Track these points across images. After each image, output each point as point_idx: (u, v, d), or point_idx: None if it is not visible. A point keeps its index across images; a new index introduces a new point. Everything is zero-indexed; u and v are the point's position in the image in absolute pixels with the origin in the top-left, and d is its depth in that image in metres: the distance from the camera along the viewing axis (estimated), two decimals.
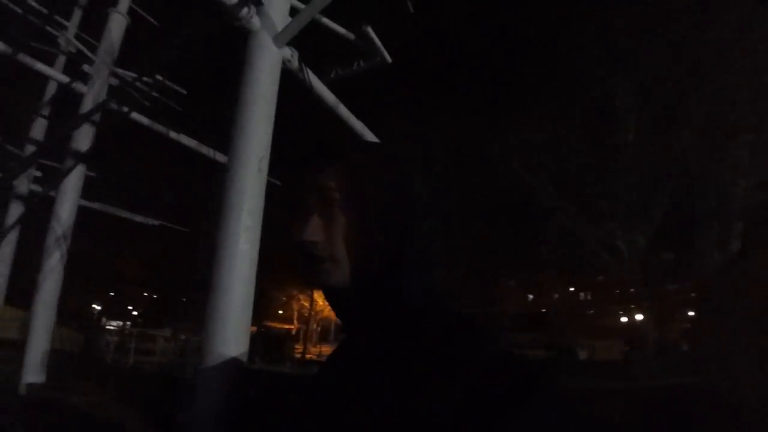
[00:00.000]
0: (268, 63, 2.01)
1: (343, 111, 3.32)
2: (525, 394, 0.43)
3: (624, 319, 29.43)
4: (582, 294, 32.77)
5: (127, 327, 25.08)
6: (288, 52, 2.32)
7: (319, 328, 38.41)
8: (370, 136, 3.75)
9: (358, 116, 3.55)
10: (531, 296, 33.72)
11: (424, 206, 0.60)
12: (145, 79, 3.76)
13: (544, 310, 29.69)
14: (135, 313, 40.05)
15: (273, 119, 1.99)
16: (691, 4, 12.41)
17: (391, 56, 3.42)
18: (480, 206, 19.96)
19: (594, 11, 13.92)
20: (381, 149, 0.62)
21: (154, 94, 4.42)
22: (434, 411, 0.44)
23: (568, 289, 26.24)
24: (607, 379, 12.12)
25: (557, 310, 23.96)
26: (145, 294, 42.38)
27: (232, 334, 1.37)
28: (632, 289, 21.30)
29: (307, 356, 28.48)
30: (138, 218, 6.24)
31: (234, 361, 1.30)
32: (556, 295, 29.68)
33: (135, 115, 4.08)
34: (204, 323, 1.39)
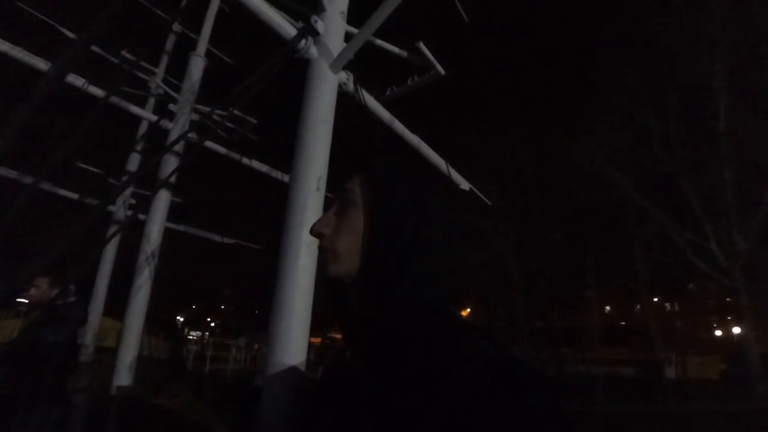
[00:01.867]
0: (325, 88, 2.14)
1: (399, 127, 3.40)
2: (516, 400, 0.43)
3: (718, 333, 26.17)
4: (668, 304, 29.69)
5: (206, 337, 27.01)
6: (344, 76, 2.45)
7: None
8: (426, 150, 3.78)
9: (418, 131, 3.61)
10: (608, 308, 31.21)
11: (436, 219, 0.62)
12: (219, 112, 4.16)
13: (623, 323, 27.29)
14: (213, 324, 42.93)
15: (330, 140, 2.11)
16: None
17: (449, 68, 3.46)
18: (562, 213, 19.03)
19: None
20: (401, 165, 0.66)
21: (229, 125, 4.89)
22: (429, 414, 0.45)
23: (652, 299, 23.88)
24: (700, 401, 10.78)
25: (640, 322, 21.88)
26: (223, 306, 45.36)
27: (292, 343, 1.47)
28: (728, 299, 18.90)
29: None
30: (216, 237, 6.81)
31: (293, 369, 1.39)
32: (638, 306, 27.13)
33: (213, 146, 4.54)
34: (268, 333, 1.51)
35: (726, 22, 12.54)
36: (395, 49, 3.48)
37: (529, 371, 0.47)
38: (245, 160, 4.87)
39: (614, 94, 15.02)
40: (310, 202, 1.74)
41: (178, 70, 4.96)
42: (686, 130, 13.80)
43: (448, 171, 3.86)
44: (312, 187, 1.78)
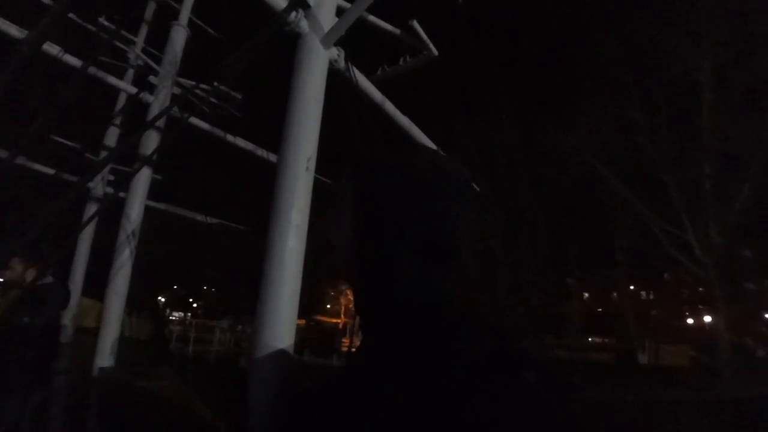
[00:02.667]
0: (315, 64, 2.06)
1: (390, 107, 3.32)
2: (506, 395, 0.41)
3: (690, 321, 27.21)
4: (644, 293, 30.66)
5: (188, 318, 26.88)
6: (335, 53, 2.36)
7: None
8: (417, 133, 3.72)
9: (409, 113, 3.54)
10: (586, 295, 32.06)
11: (426, 208, 0.61)
12: (203, 86, 4.00)
13: (600, 310, 28.10)
14: (195, 305, 42.68)
15: (320, 119, 2.04)
16: None
17: (442, 50, 3.38)
18: (545, 204, 19.28)
19: None
20: (389, 156, 0.67)
21: (213, 100, 4.71)
22: (416, 413, 0.44)
23: (629, 287, 24.64)
24: (673, 388, 11.23)
25: (618, 309, 22.60)
26: (205, 288, 45.00)
27: (279, 325, 1.44)
28: (701, 289, 19.59)
29: (353, 349, 29.00)
30: (198, 217, 6.66)
31: (282, 352, 1.36)
32: (615, 294, 27.95)
33: (196, 121, 4.37)
34: (254, 316, 1.47)
35: (713, 19, 12.66)
36: (388, 27, 3.38)
37: (524, 362, 0.45)
38: (230, 138, 4.72)
39: (601, 86, 15.15)
40: (299, 182, 1.68)
41: (159, 40, 4.74)
42: (670, 124, 14.05)
43: None
44: (301, 168, 1.72)
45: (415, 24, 3.28)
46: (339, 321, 36.46)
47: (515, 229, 19.57)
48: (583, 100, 15.80)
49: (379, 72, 3.52)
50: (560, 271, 22.76)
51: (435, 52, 3.43)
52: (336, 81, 2.60)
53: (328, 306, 39.87)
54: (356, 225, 0.62)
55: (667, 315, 27.46)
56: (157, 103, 4.11)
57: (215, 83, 3.94)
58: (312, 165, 1.85)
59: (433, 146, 3.91)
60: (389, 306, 0.58)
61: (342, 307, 39.30)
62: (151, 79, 4.38)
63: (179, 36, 4.40)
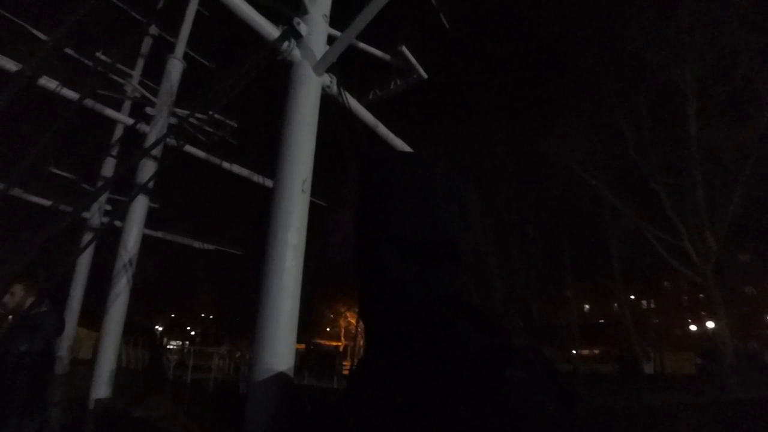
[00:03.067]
0: (308, 90, 2.13)
1: (383, 130, 3.40)
2: (493, 396, 0.40)
3: (693, 328, 27.04)
4: (644, 302, 30.52)
5: (186, 346, 26.41)
6: (327, 79, 2.44)
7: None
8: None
9: (402, 133, 3.61)
10: (587, 306, 31.87)
11: (408, 210, 0.61)
12: (199, 115, 4.08)
13: (602, 321, 27.88)
14: (193, 333, 41.97)
15: (314, 143, 2.09)
16: None
17: (430, 72, 3.48)
18: (537, 215, 19.36)
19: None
20: (383, 161, 0.68)
21: (208, 129, 4.80)
22: (405, 410, 0.44)
23: (629, 296, 24.58)
24: (680, 394, 11.09)
25: (618, 320, 22.49)
26: (202, 315, 44.39)
27: (279, 347, 1.44)
28: (701, 295, 19.56)
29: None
30: (196, 244, 6.67)
31: (281, 375, 1.36)
32: (615, 304, 27.84)
33: (192, 150, 4.45)
34: (253, 338, 1.48)
35: (694, 31, 13.06)
36: (378, 53, 3.48)
37: (513, 361, 0.43)
38: (225, 164, 4.79)
39: (588, 97, 15.46)
40: (295, 204, 1.72)
41: (155, 72, 4.85)
42: (656, 133, 14.30)
43: None
44: (297, 190, 1.76)
45: (404, 49, 3.39)
46: (339, 344, 35.97)
47: (510, 241, 19.61)
48: (571, 111, 16.12)
49: (371, 96, 3.61)
50: (558, 281, 22.72)
51: (424, 75, 3.53)
52: (329, 106, 2.68)
53: (327, 329, 39.36)
54: (354, 225, 0.64)
55: (669, 323, 27.31)
56: (154, 132, 4.18)
57: (210, 112, 4.02)
58: (308, 187, 1.90)
59: None
60: (384, 308, 0.59)
61: (341, 329, 38.82)
62: (148, 110, 4.46)
63: (175, 69, 4.51)
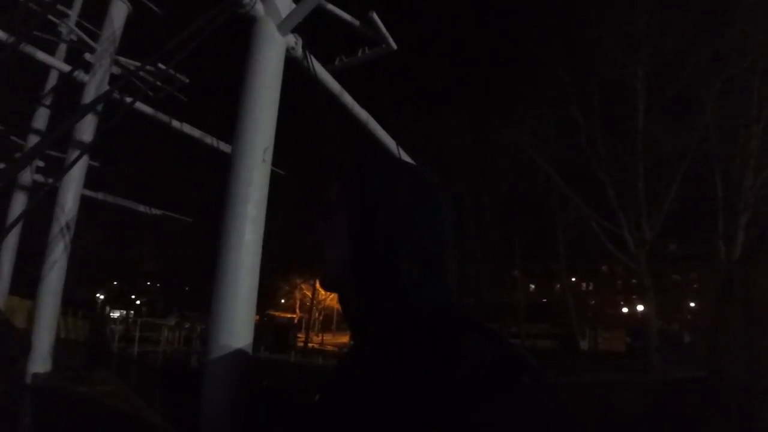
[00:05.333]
0: (271, 51, 1.98)
1: (348, 100, 3.27)
2: (509, 402, 0.42)
3: (625, 310, 29.47)
4: (584, 284, 32.77)
5: (131, 316, 25.35)
6: (292, 40, 2.28)
7: (321, 317, 38.74)
8: (374, 125, 3.70)
9: (366, 104, 3.49)
10: (532, 286, 33.75)
11: (414, 211, 0.62)
12: (148, 68, 3.73)
13: (545, 300, 29.71)
14: (138, 302, 40.41)
15: (277, 108, 1.97)
16: None
17: (397, 44, 3.36)
18: (491, 197, 19.91)
19: None
20: (373, 163, 0.67)
21: (158, 83, 4.38)
22: (418, 416, 0.44)
23: (570, 279, 26.32)
24: (611, 371, 12.18)
25: (560, 299, 24.13)
26: (149, 283, 42.72)
27: (237, 324, 1.37)
28: (634, 280, 21.27)
29: (310, 345, 28.74)
30: (141, 208, 6.24)
31: (241, 351, 1.30)
32: (558, 285, 29.72)
33: (138, 105, 4.05)
34: (210, 314, 1.39)
35: (650, 30, 13.65)
36: (347, 17, 3.31)
37: (523, 368, 0.46)
38: (175, 123, 4.43)
39: (545, 86, 15.91)
40: (255, 174, 1.60)
41: (97, 15, 4.33)
42: (607, 126, 15.07)
43: (398, 152, 3.81)
44: (257, 159, 1.64)
45: (375, 16, 3.24)
46: (294, 316, 35.96)
47: (463, 222, 20.17)
48: (530, 99, 16.53)
49: (336, 62, 3.45)
50: (507, 263, 23.84)
51: (393, 45, 3.40)
52: (293, 68, 2.52)
53: (282, 301, 39.15)
54: (352, 235, 0.62)
55: (604, 304, 29.59)
56: (94, 83, 3.79)
57: (159, 64, 3.67)
58: (269, 156, 1.77)
59: (392, 141, 3.90)
60: (389, 312, 0.58)
61: (296, 301, 38.76)
62: (87, 56, 4.01)
63: (119, 11, 4.07)
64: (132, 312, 31.58)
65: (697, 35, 12.94)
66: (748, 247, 9.75)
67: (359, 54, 3.47)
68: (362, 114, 3.53)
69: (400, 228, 0.60)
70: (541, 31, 16.15)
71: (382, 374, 0.52)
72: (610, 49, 14.17)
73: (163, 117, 4.36)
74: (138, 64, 4.23)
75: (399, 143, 3.94)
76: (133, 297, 40.83)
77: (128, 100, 3.58)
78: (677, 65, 13.70)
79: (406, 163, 0.69)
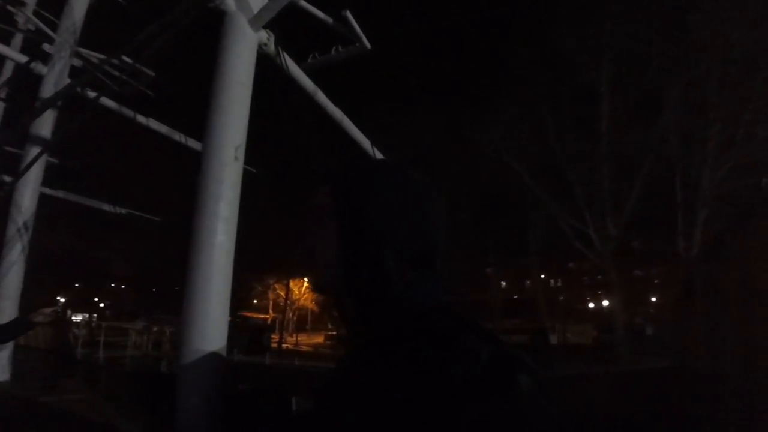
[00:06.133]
0: (243, 46, 1.94)
1: (322, 98, 3.24)
2: (505, 401, 0.43)
3: (591, 305, 30.56)
4: (553, 281, 33.75)
5: (94, 319, 24.30)
6: (264, 36, 2.24)
7: (295, 318, 38.32)
8: (348, 124, 3.68)
9: (341, 104, 3.47)
10: (504, 283, 34.49)
11: (404, 213, 0.62)
12: (113, 61, 3.57)
13: (516, 297, 30.44)
14: (102, 305, 38.81)
15: (249, 105, 1.93)
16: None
17: (372, 43, 3.35)
18: (467, 196, 20.17)
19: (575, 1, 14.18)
20: (361, 169, 0.68)
21: (123, 77, 4.19)
22: (414, 414, 0.45)
23: (540, 276, 27.12)
24: (581, 364, 12.64)
25: (531, 295, 24.84)
26: (113, 285, 41.13)
27: (210, 326, 1.33)
28: (599, 276, 22.08)
29: (284, 346, 28.38)
30: (105, 207, 5.98)
31: (214, 355, 1.27)
32: (528, 282, 30.54)
33: (102, 99, 3.87)
34: (181, 317, 1.35)
35: (613, 34, 14.17)
36: (321, 15, 3.28)
37: (520, 368, 0.47)
38: (141, 118, 4.25)
39: (521, 90, 16.28)
40: (227, 173, 1.56)
41: (56, 3, 4.10)
42: (574, 127, 15.58)
43: (373, 151, 3.81)
44: (229, 157, 1.61)
45: (349, 15, 3.22)
46: (267, 317, 35.38)
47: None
48: (503, 101, 16.88)
49: (310, 60, 3.41)
50: (482, 260, 24.28)
51: (368, 45, 3.39)
52: (266, 69, 2.47)
53: (255, 301, 38.44)
54: (341, 239, 0.63)
55: (573, 300, 30.57)
56: (53, 75, 3.60)
57: (123, 57, 3.52)
58: (241, 154, 1.73)
59: (367, 140, 3.89)
60: (385, 313, 0.59)
61: (270, 301, 38.14)
62: (46, 47, 3.81)
63: (79, 0, 3.88)
64: (95, 316, 30.27)
65: (659, 41, 13.51)
66: (708, 248, 10.29)
67: (333, 52, 3.44)
68: (336, 113, 3.51)
69: (388, 228, 0.61)
70: (515, 34, 16.51)
71: (382, 376, 0.53)
72: (575, 52, 14.64)
73: (129, 112, 4.19)
74: (102, 56, 4.05)
75: (376, 142, 3.93)
76: (96, 300, 39.16)
77: (92, 95, 3.43)
78: (640, 69, 14.26)
79: (394, 164, 0.70)
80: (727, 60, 12.24)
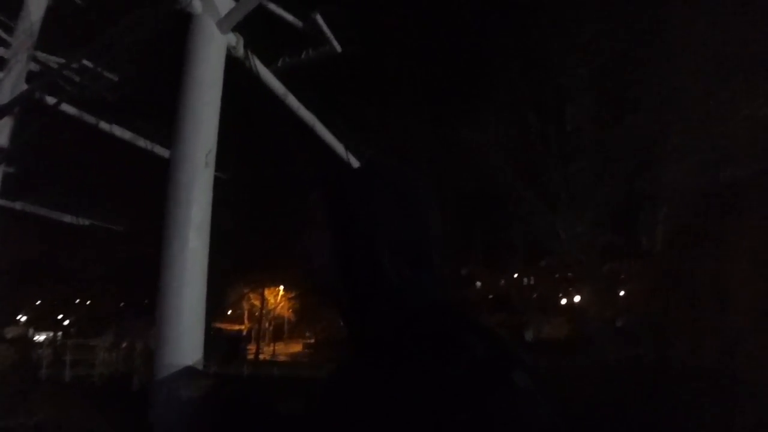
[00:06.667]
0: (211, 49, 1.90)
1: (293, 102, 3.20)
2: (498, 401, 0.43)
3: (563, 301, 31.42)
4: (525, 279, 34.50)
5: (59, 337, 23.15)
6: (233, 39, 2.21)
7: (271, 327, 37.65)
8: (320, 128, 3.65)
9: (313, 107, 3.44)
10: (479, 283, 35.01)
11: (396, 213, 0.62)
12: (73, 65, 3.42)
13: (491, 296, 31.04)
14: (66, 322, 36.95)
15: (219, 110, 1.89)
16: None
17: (343, 45, 3.34)
18: (452, 194, 20.34)
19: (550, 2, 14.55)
20: (353, 171, 0.69)
21: (84, 81, 4.02)
22: (408, 415, 0.45)
23: (513, 275, 27.77)
24: (556, 356, 12.99)
25: (506, 294, 25.42)
26: (78, 300, 39.25)
27: (185, 339, 1.28)
28: (569, 273, 22.80)
29: (261, 357, 27.82)
30: (66, 218, 5.70)
31: (189, 370, 1.22)
32: (502, 281, 31.19)
33: (62, 106, 3.69)
34: (155, 330, 1.30)
35: (594, 38, 14.60)
36: (290, 18, 3.25)
37: (516, 366, 0.47)
38: (103, 125, 4.09)
39: (504, 90, 16.59)
40: (197, 178, 1.52)
41: (11, 5, 3.91)
42: (554, 127, 16.03)
43: (347, 155, 3.78)
44: (200, 162, 1.57)
45: (318, 18, 3.20)
46: (242, 327, 34.57)
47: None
48: (486, 100, 17.18)
49: (279, 63, 3.37)
50: (459, 261, 24.67)
51: (338, 47, 3.38)
52: (234, 69, 2.42)
53: (229, 312, 37.51)
54: (336, 239, 0.63)
55: (545, 296, 31.33)
56: (9, 81, 3.43)
57: (84, 61, 3.38)
58: (212, 159, 1.69)
59: (340, 144, 3.86)
60: (382, 312, 0.59)
61: (244, 311, 37.29)
62: (1, 51, 3.63)
63: (37, 1, 3.72)
64: (59, 333, 28.81)
65: (634, 45, 13.96)
66: (680, 240, 10.72)
67: (303, 55, 3.42)
68: (308, 117, 3.48)
69: (382, 227, 0.61)
70: (499, 35, 16.80)
71: (380, 376, 0.53)
72: (559, 55, 15.03)
73: (90, 118, 4.03)
74: (61, 60, 3.88)
75: (356, 142, 3.91)
76: (60, 316, 37.27)
77: (51, 100, 3.28)
78: (615, 69, 14.70)
79: (386, 163, 0.71)
80: (699, 58, 12.68)
